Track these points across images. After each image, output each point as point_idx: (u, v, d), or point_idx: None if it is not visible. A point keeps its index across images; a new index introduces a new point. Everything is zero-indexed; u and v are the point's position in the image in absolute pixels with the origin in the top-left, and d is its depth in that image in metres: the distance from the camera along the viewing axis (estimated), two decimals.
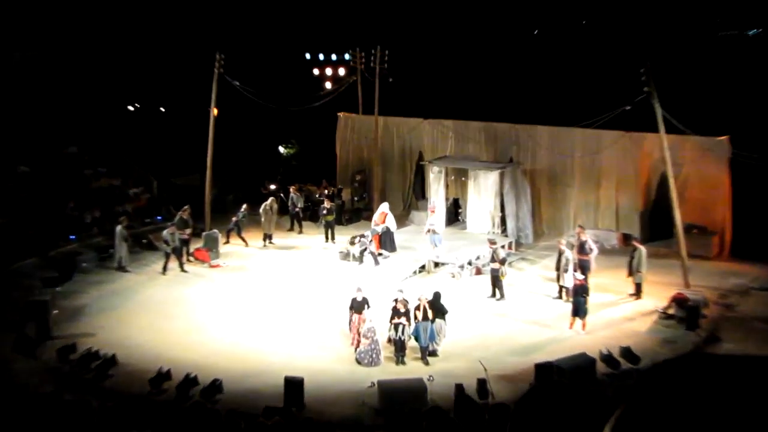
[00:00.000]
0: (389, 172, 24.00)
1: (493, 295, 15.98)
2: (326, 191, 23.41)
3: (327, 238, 20.61)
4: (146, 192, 22.40)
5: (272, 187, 24.25)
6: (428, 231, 17.93)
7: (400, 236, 19.65)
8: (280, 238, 21.05)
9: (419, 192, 23.74)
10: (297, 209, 21.79)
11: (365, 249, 17.67)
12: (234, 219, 20.34)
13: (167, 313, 15.11)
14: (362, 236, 17.80)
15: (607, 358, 12.37)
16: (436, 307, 12.78)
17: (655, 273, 15.94)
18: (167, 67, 26.57)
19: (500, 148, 21.68)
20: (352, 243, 17.97)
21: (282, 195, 22.94)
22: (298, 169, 26.94)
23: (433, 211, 18.52)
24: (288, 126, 27.48)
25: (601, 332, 13.87)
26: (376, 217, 18.86)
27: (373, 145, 23.29)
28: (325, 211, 20.54)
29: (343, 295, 14.88)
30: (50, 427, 8.52)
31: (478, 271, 17.65)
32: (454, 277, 17.18)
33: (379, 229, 18.21)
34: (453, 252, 18.17)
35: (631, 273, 15.74)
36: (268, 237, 20.48)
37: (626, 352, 12.63)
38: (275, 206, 20.67)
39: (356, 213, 23.45)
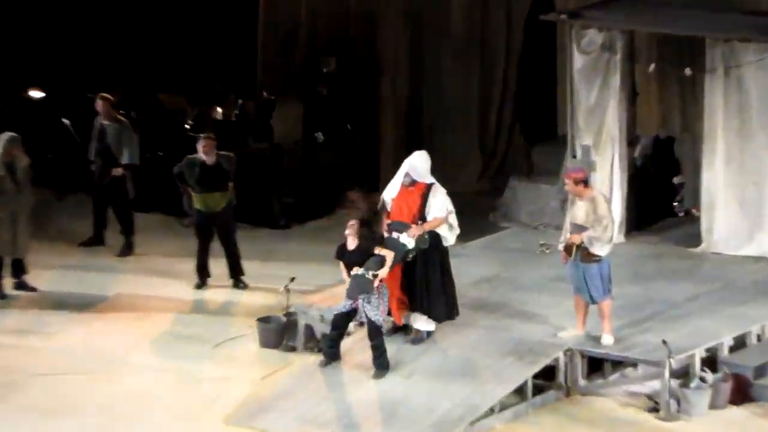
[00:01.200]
0: (436, 53, 24.13)
1: None
2: (219, 110, 24.09)
3: (205, 273, 19.57)
4: None
5: (35, 95, 24.75)
6: (568, 249, 16.48)
7: (471, 264, 18.99)
8: (50, 269, 20.18)
9: (531, 120, 24.62)
10: (119, 172, 21.17)
11: (354, 311, 16.58)
12: None
13: None
14: (366, 263, 16.31)
15: None
16: None
17: None
18: None
19: None
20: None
21: (68, 123, 23.54)
22: (119, 33, 26.64)
23: (582, 183, 16.58)
24: None
25: None
26: (387, 196, 16.86)
27: None
28: (196, 175, 19.31)
29: None
30: None
31: (739, 393, 15.98)
32: (659, 412, 15.72)
33: (406, 241, 16.77)
34: (653, 323, 16.84)
35: None
36: (13, 266, 19.67)
37: None
38: (25, 162, 19.97)
39: (321, 184, 24.01)
